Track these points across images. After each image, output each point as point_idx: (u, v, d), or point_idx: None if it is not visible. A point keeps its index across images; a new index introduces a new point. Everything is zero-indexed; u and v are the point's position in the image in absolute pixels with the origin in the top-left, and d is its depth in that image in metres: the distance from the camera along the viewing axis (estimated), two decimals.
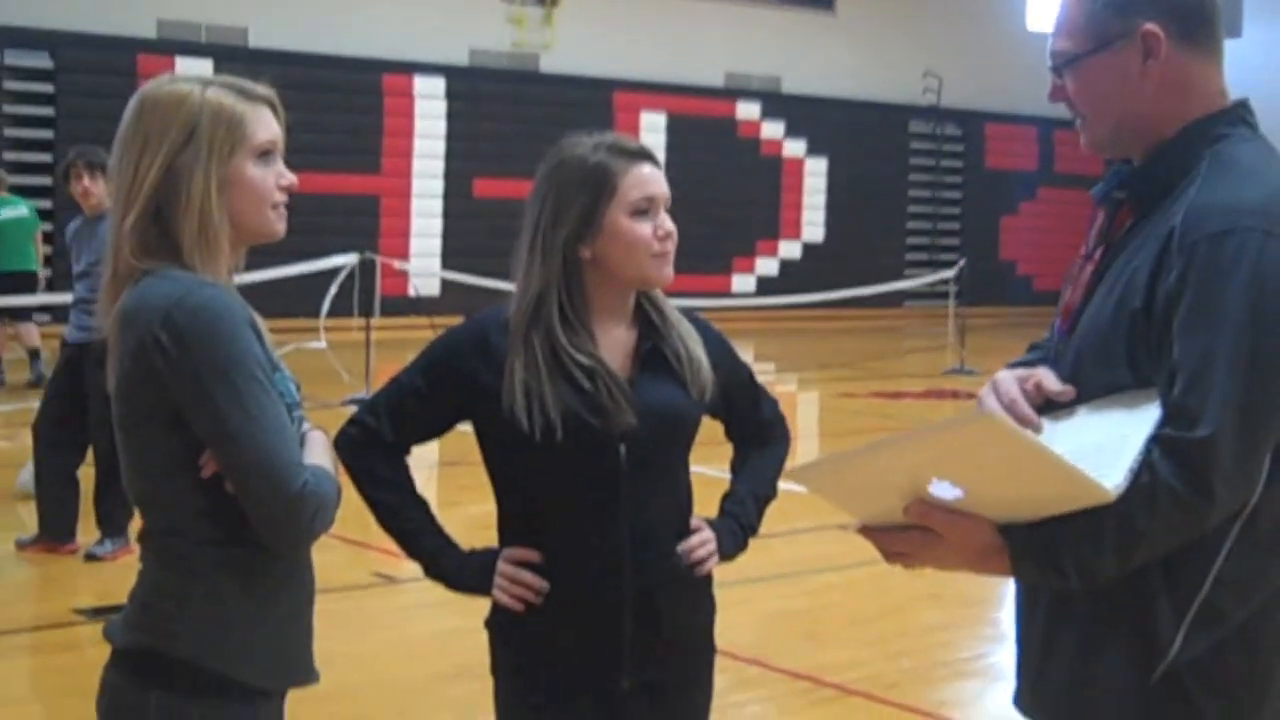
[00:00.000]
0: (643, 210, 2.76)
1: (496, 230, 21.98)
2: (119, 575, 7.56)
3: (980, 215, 29.25)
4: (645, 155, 2.83)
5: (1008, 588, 7.83)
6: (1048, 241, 30.31)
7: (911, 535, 2.23)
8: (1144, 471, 2.10)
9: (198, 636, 2.38)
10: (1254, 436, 2.12)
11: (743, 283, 25.17)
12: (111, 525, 7.91)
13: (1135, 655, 2.24)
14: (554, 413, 2.66)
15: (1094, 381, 2.24)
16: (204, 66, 20.20)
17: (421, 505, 2.87)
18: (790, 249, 26.13)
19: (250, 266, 11.28)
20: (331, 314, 14.65)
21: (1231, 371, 2.09)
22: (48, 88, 19.83)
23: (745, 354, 3.06)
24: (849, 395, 15.27)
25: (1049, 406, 2.27)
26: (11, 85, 19.69)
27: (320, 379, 14.73)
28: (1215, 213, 2.18)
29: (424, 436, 2.86)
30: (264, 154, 2.46)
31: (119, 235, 2.41)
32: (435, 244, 22.08)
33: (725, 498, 2.99)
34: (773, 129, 25.92)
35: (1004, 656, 6.91)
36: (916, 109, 27.62)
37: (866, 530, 2.29)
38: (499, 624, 2.85)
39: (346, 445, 2.77)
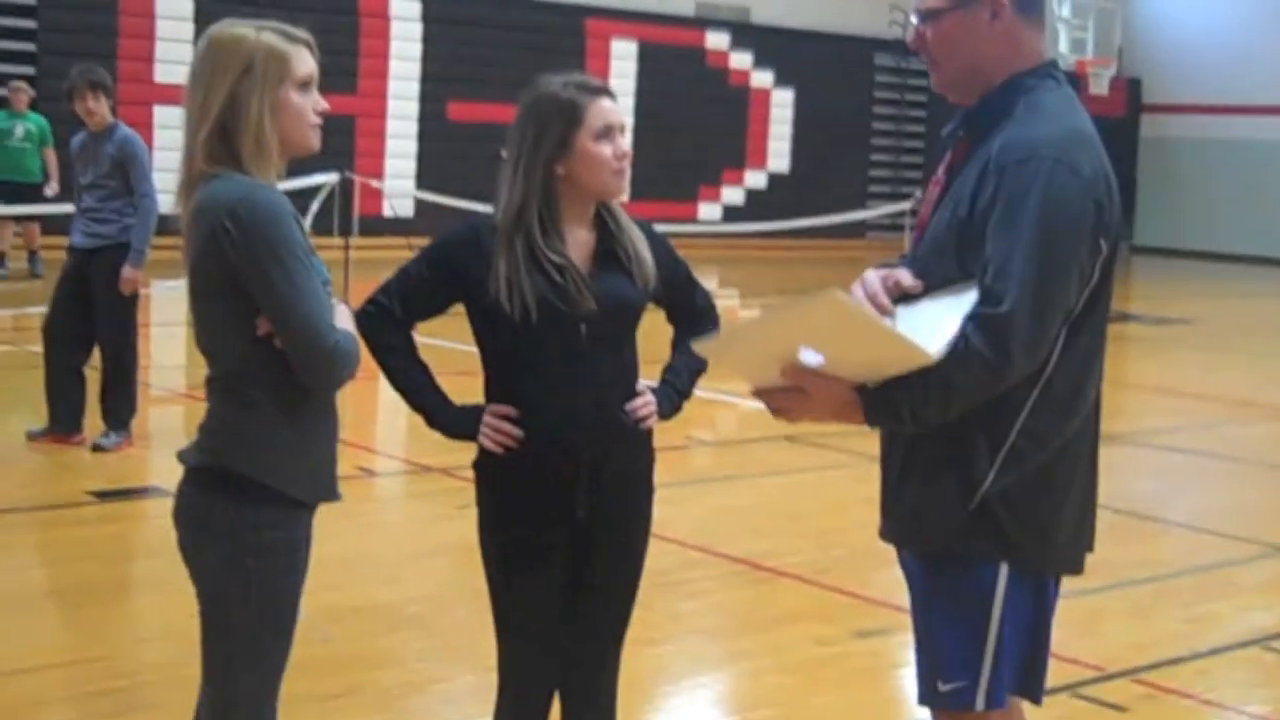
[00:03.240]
0: (604, 135, 3.44)
1: (470, 153, 22.57)
2: (122, 464, 8.29)
3: (943, 148, 29.79)
4: (606, 91, 3.52)
5: None
6: None
7: (790, 394, 2.92)
8: (961, 341, 2.80)
9: (253, 457, 3.08)
10: (1043, 311, 2.84)
11: (709, 211, 25.80)
12: (116, 419, 8.56)
13: (960, 487, 2.97)
14: (530, 299, 3.36)
15: (935, 276, 2.95)
16: None
17: (424, 369, 3.57)
18: (756, 179, 26.75)
19: None
20: (312, 232, 15.24)
21: (1027, 263, 2.81)
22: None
23: (709, 281, 3.74)
24: None
25: (904, 298, 2.97)
26: None
27: None
28: (1021, 145, 2.92)
29: (426, 315, 3.56)
30: (304, 85, 3.13)
31: (193, 146, 3.08)
32: (410, 165, 22.65)
33: (665, 369, 3.70)
34: (741, 59, 26.48)
35: None
36: (883, 42, 28.15)
37: (757, 391, 2.98)
38: (483, 465, 3.55)
39: (365, 320, 3.45)
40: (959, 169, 3.07)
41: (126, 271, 8.33)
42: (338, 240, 16.21)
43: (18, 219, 17.02)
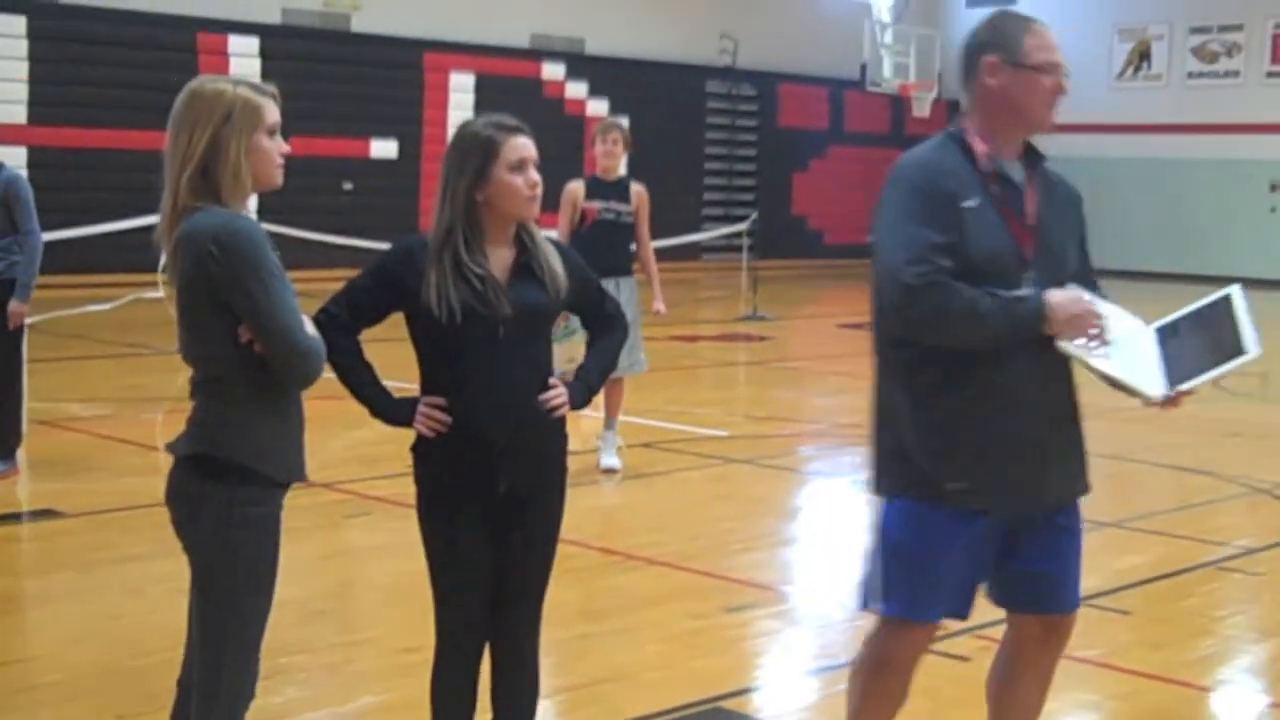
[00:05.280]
0: (517, 167, 4.02)
1: (309, 187, 22.90)
2: (12, 490, 8.62)
3: (773, 172, 30.84)
4: (520, 129, 4.09)
5: (784, 488, 9.38)
6: (838, 197, 32.06)
7: None
8: None
9: (236, 445, 3.59)
10: None
11: (548, 236, 26.34)
12: (2, 448, 8.90)
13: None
14: (455, 304, 3.92)
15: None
16: (17, 22, 20.79)
17: (369, 368, 4.10)
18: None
19: (98, 219, 12.77)
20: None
21: None
22: None
23: None
24: (649, 339, 16.54)
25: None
26: None
27: (158, 328, 15.64)
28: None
29: (369, 321, 4.09)
30: (272, 131, 3.66)
31: (176, 184, 3.59)
32: (252, 200, 22.82)
33: (579, 368, 4.29)
34: (576, 89, 27.16)
35: (780, 537, 8.35)
36: (713, 69, 29.08)
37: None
38: (419, 448, 4.10)
39: (320, 325, 3.96)
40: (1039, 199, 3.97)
41: (13, 305, 8.68)
42: None
43: None
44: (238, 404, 3.61)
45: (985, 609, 6.61)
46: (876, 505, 3.98)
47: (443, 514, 4.09)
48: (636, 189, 9.51)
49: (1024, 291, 3.78)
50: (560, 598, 4.80)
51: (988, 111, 3.96)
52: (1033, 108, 3.96)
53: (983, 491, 3.85)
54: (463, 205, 4.00)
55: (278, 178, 3.69)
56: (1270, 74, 30.25)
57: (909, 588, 3.94)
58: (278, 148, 3.68)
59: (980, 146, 3.92)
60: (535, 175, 4.05)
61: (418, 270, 3.98)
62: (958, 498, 3.83)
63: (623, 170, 9.63)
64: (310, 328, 3.63)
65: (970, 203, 3.81)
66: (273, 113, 3.65)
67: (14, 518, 8.06)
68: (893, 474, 3.91)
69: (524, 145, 4.05)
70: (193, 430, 3.66)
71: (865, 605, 4.07)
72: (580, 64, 27.22)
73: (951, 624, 6.32)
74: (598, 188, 9.45)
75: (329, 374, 3.91)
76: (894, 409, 3.88)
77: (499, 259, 4.06)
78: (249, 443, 3.61)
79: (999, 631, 6.23)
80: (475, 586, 4.10)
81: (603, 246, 8.86)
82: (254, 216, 3.73)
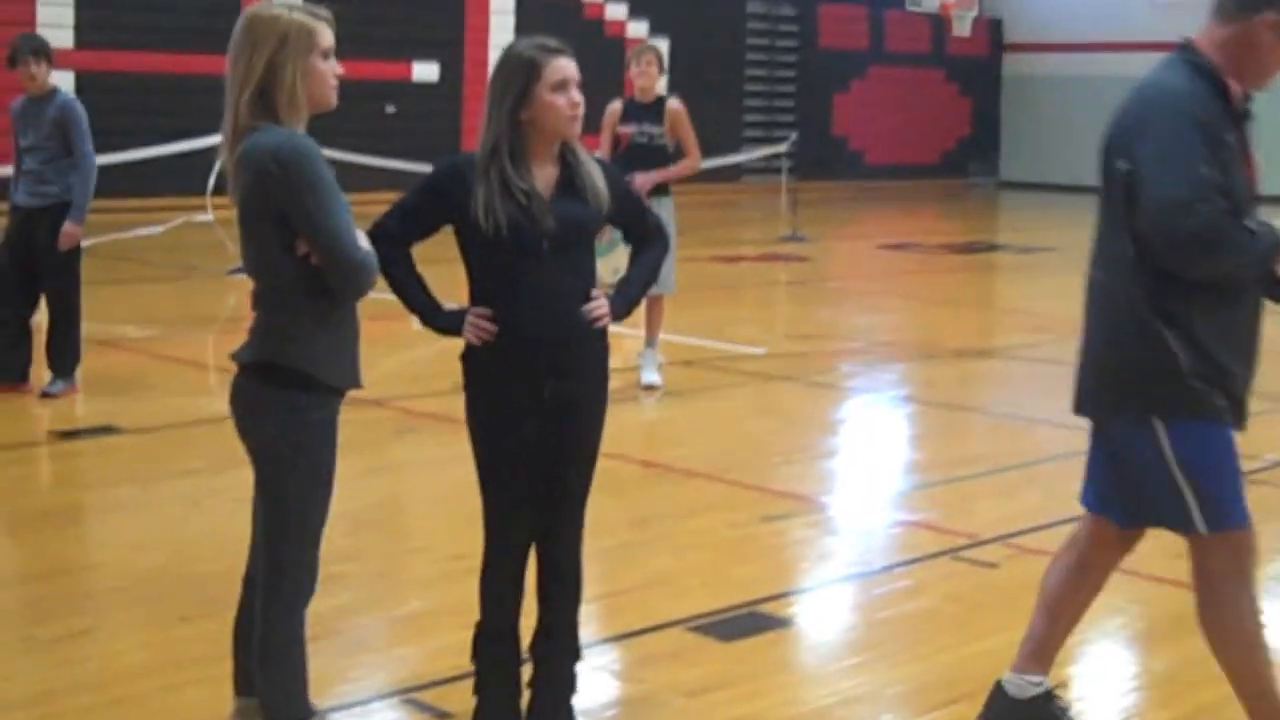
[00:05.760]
0: (559, 87, 4.19)
1: (352, 110, 22.98)
2: (73, 407, 8.90)
3: (814, 93, 30.81)
4: (560, 50, 4.25)
5: (823, 404, 9.59)
6: (878, 117, 32.06)
7: None
8: None
9: (296, 353, 3.80)
10: None
11: None
12: (62, 368, 9.16)
13: None
14: (502, 218, 4.12)
15: None
16: None
17: (421, 280, 4.30)
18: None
19: (145, 144, 13.02)
20: (216, 191, 15.75)
21: None
22: None
23: None
24: (690, 259, 16.72)
25: None
26: None
27: (208, 250, 15.96)
28: None
29: (420, 235, 4.29)
30: (326, 54, 3.84)
31: (236, 105, 3.78)
32: None
33: (620, 280, 4.49)
34: (616, 10, 27.17)
35: (819, 450, 8.55)
36: None
37: None
38: (468, 357, 4.30)
39: (374, 240, 4.16)
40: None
41: (67, 227, 8.90)
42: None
43: None
44: (297, 314, 3.80)
45: (1014, 518, 6.84)
46: (1130, 431, 4.12)
47: (490, 419, 4.30)
48: (672, 106, 9.61)
49: (1255, 227, 3.99)
50: (602, 507, 5.02)
51: (1242, 58, 4.08)
52: (1272, 73, 4.14)
53: (1238, 412, 4.11)
54: (507, 124, 4.18)
55: (332, 98, 3.88)
56: None
57: (1239, 498, 4.13)
58: (332, 69, 3.85)
59: (1235, 87, 4.08)
60: (577, 95, 4.21)
61: (466, 186, 4.17)
62: (1226, 414, 4.06)
63: (662, 91, 9.74)
64: (364, 241, 3.82)
65: (1229, 139, 4.03)
66: (326, 36, 3.83)
67: (75, 434, 8.32)
68: (1163, 397, 4.03)
69: (565, 66, 4.21)
70: (254, 339, 3.87)
71: (1219, 527, 4.13)
72: None
73: (981, 532, 6.57)
74: (633, 111, 9.59)
75: (381, 292, 4.12)
76: (1154, 334, 4.00)
77: (544, 175, 4.24)
78: (308, 351, 3.81)
79: (1027, 540, 6.47)
80: (521, 489, 4.31)
81: (638, 169, 9.00)
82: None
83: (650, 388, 9.60)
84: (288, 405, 3.81)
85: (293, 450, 3.82)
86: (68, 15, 21.21)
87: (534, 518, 4.37)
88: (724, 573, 6.07)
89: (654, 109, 9.57)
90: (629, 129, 9.53)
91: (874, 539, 6.73)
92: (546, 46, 4.23)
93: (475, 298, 4.27)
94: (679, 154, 9.72)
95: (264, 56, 3.75)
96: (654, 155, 9.53)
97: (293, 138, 3.75)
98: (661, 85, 9.75)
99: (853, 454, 8.64)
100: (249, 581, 4.05)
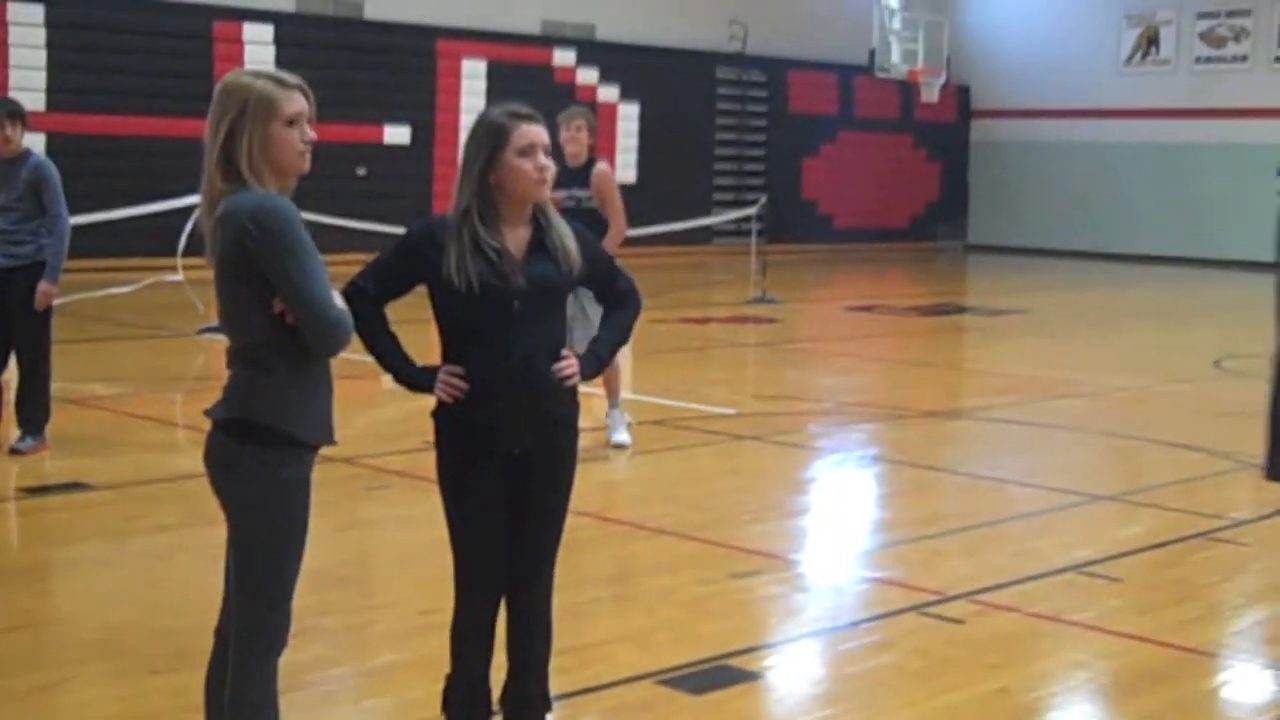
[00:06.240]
0: (526, 152, 4.29)
1: (324, 172, 23.11)
2: (42, 465, 8.90)
3: (783, 156, 31.05)
4: (529, 117, 4.35)
5: (791, 463, 9.69)
6: (847, 182, 32.33)
7: None
8: None
9: (271, 408, 3.85)
10: None
11: None
12: (32, 425, 9.17)
13: None
14: (473, 276, 4.20)
15: None
16: (35, 11, 21.10)
17: (393, 337, 4.38)
18: None
19: (115, 205, 13.09)
20: (187, 252, 15.77)
21: None
22: None
23: None
24: (660, 321, 16.89)
25: None
26: None
27: (177, 310, 15.99)
28: None
29: (394, 294, 4.37)
30: (291, 121, 3.91)
31: (210, 169, 3.86)
32: None
33: (592, 340, 4.56)
34: (588, 75, 27.38)
35: (787, 508, 8.61)
36: (723, 55, 29.24)
37: None
38: (439, 414, 4.37)
39: (348, 298, 4.23)
40: None
41: (43, 286, 8.95)
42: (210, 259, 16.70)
43: None
44: (272, 371, 3.86)
45: (981, 575, 6.91)
46: None
47: (460, 475, 4.36)
48: (598, 170, 9.64)
49: None
50: (571, 564, 5.09)
51: None
52: None
53: None
54: (477, 186, 4.28)
55: (300, 164, 3.93)
56: (1279, 59, 30.42)
57: None
58: (300, 136, 3.92)
59: None
60: (544, 160, 4.30)
61: (439, 246, 4.25)
62: None
63: (592, 155, 9.74)
64: (339, 300, 3.89)
65: None
66: (291, 103, 3.89)
67: (44, 490, 8.33)
68: None
69: (533, 132, 4.31)
70: (229, 396, 3.92)
71: None
72: (591, 50, 27.45)
73: (948, 588, 6.63)
74: (563, 176, 9.64)
75: (352, 351, 4.18)
76: None
77: (515, 237, 4.33)
78: (282, 407, 3.87)
79: (993, 596, 6.54)
80: (491, 544, 4.36)
81: None
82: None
83: (619, 447, 9.66)
84: (262, 461, 3.86)
85: (266, 505, 3.86)
86: (40, 79, 21.29)
87: (504, 571, 4.42)
88: (694, 628, 6.11)
89: (582, 173, 9.61)
90: (559, 195, 9.57)
91: (842, 595, 6.78)
92: (517, 113, 4.33)
93: (447, 356, 4.35)
94: None
95: (226, 124, 3.85)
96: (583, 220, 9.53)
97: (269, 199, 3.82)
98: (588, 150, 9.69)
99: (821, 512, 8.69)
100: (220, 635, 4.08)
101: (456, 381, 4.28)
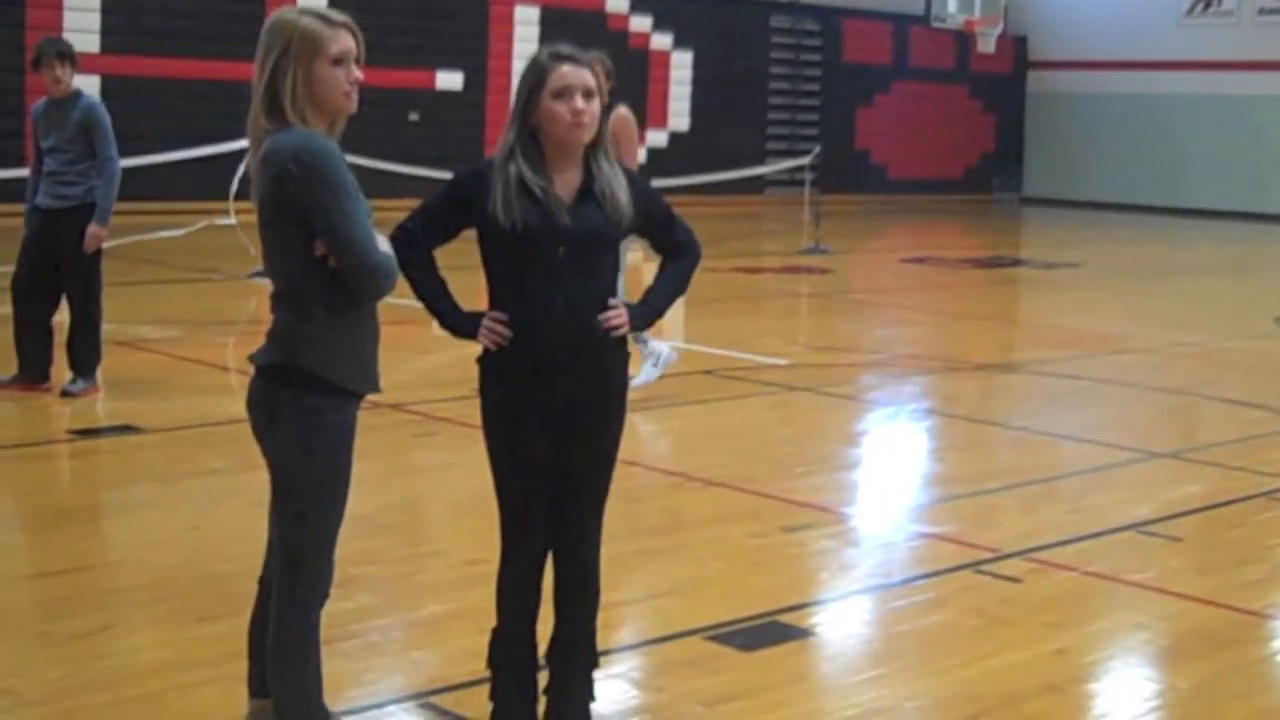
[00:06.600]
0: (560, 95, 4.15)
1: (377, 117, 23.12)
2: (92, 407, 8.89)
3: (837, 106, 30.78)
4: (568, 57, 4.20)
5: (844, 415, 9.58)
6: (901, 132, 32.02)
7: None
8: None
9: (313, 354, 3.77)
10: None
11: None
12: (83, 367, 9.15)
13: None
14: (517, 214, 4.10)
15: None
16: None
17: (441, 281, 4.28)
18: (658, 138, 27.49)
19: (169, 148, 13.04)
20: (239, 195, 15.75)
21: None
22: None
23: None
24: (712, 270, 16.71)
25: None
26: None
27: (229, 254, 15.96)
28: None
29: (442, 238, 4.27)
30: (337, 60, 3.81)
31: (255, 108, 3.77)
32: None
33: (647, 290, 4.44)
34: (641, 22, 27.18)
35: (840, 461, 8.50)
36: (778, 4, 29.00)
37: None
38: (484, 360, 4.27)
39: (394, 242, 4.15)
40: None
41: (92, 228, 8.91)
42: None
43: None
44: (314, 316, 3.78)
45: (1037, 532, 6.79)
46: None
47: (504, 425, 4.26)
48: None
49: None
50: (620, 515, 5.00)
51: None
52: None
53: None
54: (519, 127, 4.18)
55: (345, 104, 3.84)
56: None
57: None
58: (346, 75, 3.82)
59: None
60: (580, 103, 4.15)
61: (485, 187, 4.15)
62: None
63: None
64: (383, 244, 3.79)
65: None
66: (337, 41, 3.79)
67: (95, 433, 8.32)
68: None
69: (569, 74, 4.17)
70: (272, 341, 3.84)
71: None
72: None
73: (1003, 546, 6.52)
74: None
75: (401, 296, 4.09)
76: None
77: (564, 181, 4.21)
78: (324, 353, 3.78)
79: (1050, 555, 6.42)
80: (536, 495, 4.27)
81: None
82: None
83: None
84: (304, 407, 3.78)
85: (307, 452, 3.79)
86: (94, 20, 21.29)
87: (550, 523, 4.34)
88: (744, 581, 6.02)
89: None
90: None
91: (895, 551, 6.67)
92: (558, 54, 4.21)
93: (493, 302, 4.24)
94: None
95: (271, 62, 3.76)
96: None
97: (312, 139, 3.73)
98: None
99: (874, 466, 8.58)
100: (265, 583, 4.02)
101: (500, 328, 4.18)
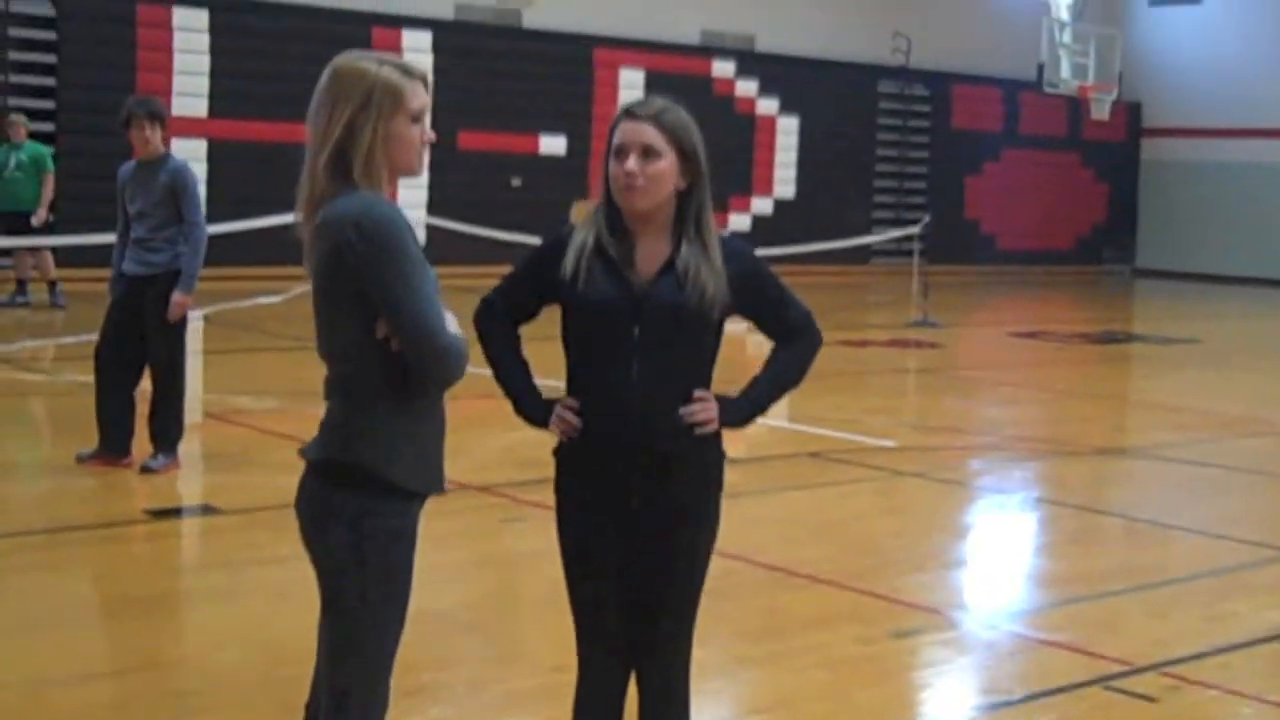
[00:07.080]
0: (618, 153, 3.73)
1: (479, 182, 23.00)
2: (172, 484, 8.58)
3: (946, 174, 30.24)
4: (629, 112, 3.79)
5: (954, 504, 9.06)
6: (1011, 201, 31.39)
7: None
8: None
9: (370, 451, 3.36)
10: None
11: None
12: (164, 441, 8.84)
13: None
14: (583, 283, 3.70)
15: None
16: (200, 16, 21.17)
17: (521, 361, 3.90)
18: (762, 205, 27.12)
19: (272, 212, 12.67)
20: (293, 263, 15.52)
21: None
22: (50, 35, 20.57)
23: None
24: None
25: None
26: (16, 33, 20.44)
27: None
28: None
29: (525, 311, 3.89)
30: (416, 117, 3.42)
31: (315, 167, 3.37)
32: (421, 195, 22.94)
33: (751, 380, 3.97)
34: (747, 87, 26.87)
35: (950, 556, 7.98)
36: (886, 69, 28.51)
37: None
38: (559, 453, 3.89)
39: (476, 314, 3.81)
40: None
41: (176, 297, 8.62)
42: None
43: (31, 250, 17.26)
44: (372, 406, 3.37)
45: (1172, 642, 6.23)
46: None
47: (575, 524, 3.89)
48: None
49: None
50: (717, 615, 4.56)
51: None
52: None
53: None
54: (605, 190, 3.81)
55: (417, 166, 3.46)
56: None
57: None
58: (421, 135, 3.44)
59: None
60: (631, 164, 3.73)
61: (565, 253, 3.78)
62: None
63: None
64: (453, 324, 3.36)
65: None
66: (417, 97, 3.41)
67: (171, 513, 8.00)
68: None
69: (625, 130, 3.77)
70: (324, 434, 3.44)
71: None
72: (751, 62, 26.93)
73: (1134, 657, 5.98)
74: None
75: (484, 370, 3.70)
76: None
77: (649, 253, 3.80)
78: (381, 448, 3.38)
79: (1187, 669, 5.87)
80: (607, 603, 3.87)
81: None
82: (407, 208, 3.49)
83: None
84: (358, 511, 3.37)
85: (362, 564, 3.37)
86: (203, 84, 21.32)
87: (630, 633, 3.90)
88: (851, 696, 5.54)
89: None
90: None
91: (1015, 662, 6.14)
92: (627, 108, 3.83)
93: (569, 387, 3.85)
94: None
95: (344, 115, 3.35)
96: None
97: (377, 204, 3.33)
98: None
99: (986, 562, 8.05)
100: (311, 712, 3.60)
101: (571, 417, 3.78)
